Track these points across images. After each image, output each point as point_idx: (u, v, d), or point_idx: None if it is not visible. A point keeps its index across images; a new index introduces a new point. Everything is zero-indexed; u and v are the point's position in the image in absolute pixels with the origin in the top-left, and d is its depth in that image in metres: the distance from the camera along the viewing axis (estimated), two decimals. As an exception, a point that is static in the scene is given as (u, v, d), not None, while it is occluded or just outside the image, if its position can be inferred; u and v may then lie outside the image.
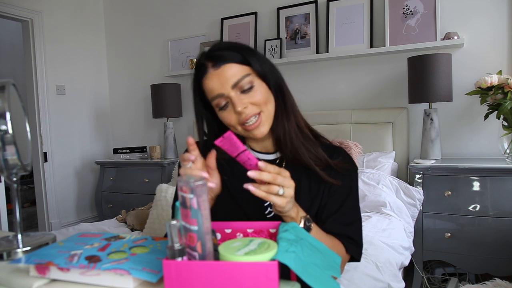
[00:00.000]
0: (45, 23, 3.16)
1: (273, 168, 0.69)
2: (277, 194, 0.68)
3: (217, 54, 0.83)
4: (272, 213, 0.89)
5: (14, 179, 0.77)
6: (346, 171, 0.91)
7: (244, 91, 0.82)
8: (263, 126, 0.85)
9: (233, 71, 0.82)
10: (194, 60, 3.10)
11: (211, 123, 0.92)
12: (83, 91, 3.50)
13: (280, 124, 0.88)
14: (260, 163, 0.68)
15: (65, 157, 3.33)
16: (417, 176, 2.07)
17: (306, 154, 0.88)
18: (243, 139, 0.93)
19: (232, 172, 0.89)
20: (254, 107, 0.83)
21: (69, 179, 3.38)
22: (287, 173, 0.70)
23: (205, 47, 3.08)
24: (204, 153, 0.77)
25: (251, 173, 0.68)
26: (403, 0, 2.40)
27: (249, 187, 0.68)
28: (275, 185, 0.68)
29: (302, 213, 0.79)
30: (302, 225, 0.77)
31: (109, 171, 3.26)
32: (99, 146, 3.66)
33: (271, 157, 0.94)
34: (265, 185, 0.68)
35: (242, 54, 0.83)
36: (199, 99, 0.89)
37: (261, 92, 0.84)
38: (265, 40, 2.82)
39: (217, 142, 0.70)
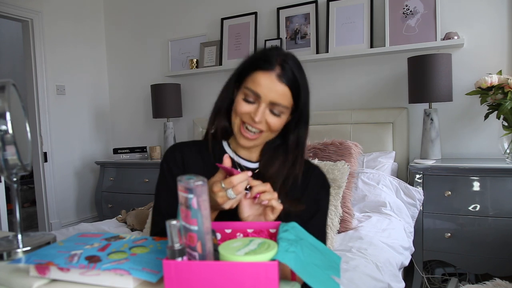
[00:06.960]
0: (45, 23, 3.16)
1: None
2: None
3: (289, 70, 0.86)
4: None
5: (14, 179, 0.77)
6: (316, 194, 0.96)
7: (271, 110, 0.87)
8: (254, 142, 0.90)
9: (284, 96, 0.86)
10: (195, 60, 3.09)
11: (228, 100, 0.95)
12: (83, 91, 3.50)
13: (276, 156, 0.94)
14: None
15: (65, 157, 3.33)
16: (417, 176, 2.07)
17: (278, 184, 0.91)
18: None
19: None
20: (265, 126, 0.88)
21: (69, 179, 3.38)
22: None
23: (205, 46, 3.08)
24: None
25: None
26: (403, 0, 2.40)
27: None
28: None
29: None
30: None
31: (109, 171, 3.26)
32: (99, 146, 3.66)
33: (252, 165, 0.97)
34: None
35: (301, 94, 0.88)
36: (237, 74, 0.93)
37: (280, 124, 0.90)
38: (265, 40, 2.82)
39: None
